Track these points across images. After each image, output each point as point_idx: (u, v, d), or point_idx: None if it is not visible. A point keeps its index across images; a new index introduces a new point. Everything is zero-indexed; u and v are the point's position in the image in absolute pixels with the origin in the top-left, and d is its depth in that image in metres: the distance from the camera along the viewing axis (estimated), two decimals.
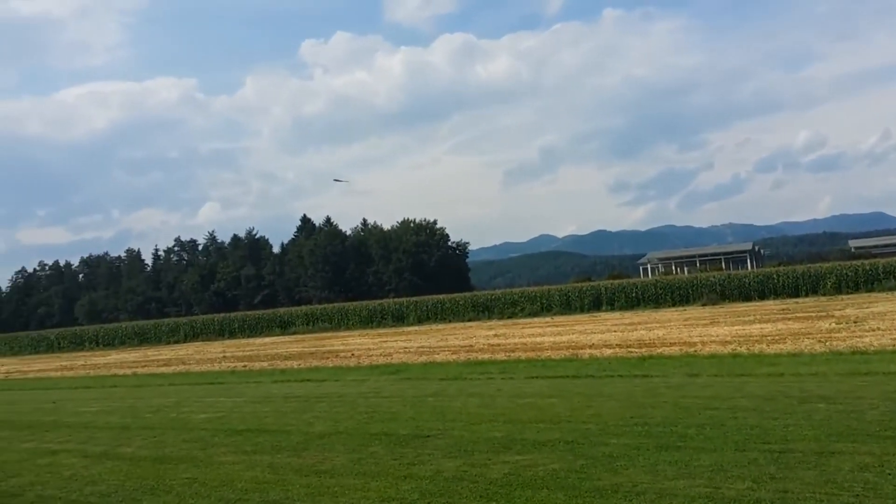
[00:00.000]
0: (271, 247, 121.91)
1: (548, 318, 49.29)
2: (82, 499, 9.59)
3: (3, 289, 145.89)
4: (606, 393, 14.35)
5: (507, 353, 24.75)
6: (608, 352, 22.74)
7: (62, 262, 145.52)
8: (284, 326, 63.34)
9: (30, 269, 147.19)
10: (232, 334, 64.57)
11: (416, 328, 51.88)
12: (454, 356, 25.55)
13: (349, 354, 30.81)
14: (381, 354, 29.40)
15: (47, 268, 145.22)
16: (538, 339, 30.30)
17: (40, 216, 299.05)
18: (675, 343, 23.91)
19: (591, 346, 24.94)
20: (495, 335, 35.40)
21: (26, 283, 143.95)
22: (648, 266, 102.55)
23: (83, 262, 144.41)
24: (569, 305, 54.41)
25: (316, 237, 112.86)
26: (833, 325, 26.00)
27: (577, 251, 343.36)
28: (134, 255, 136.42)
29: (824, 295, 46.46)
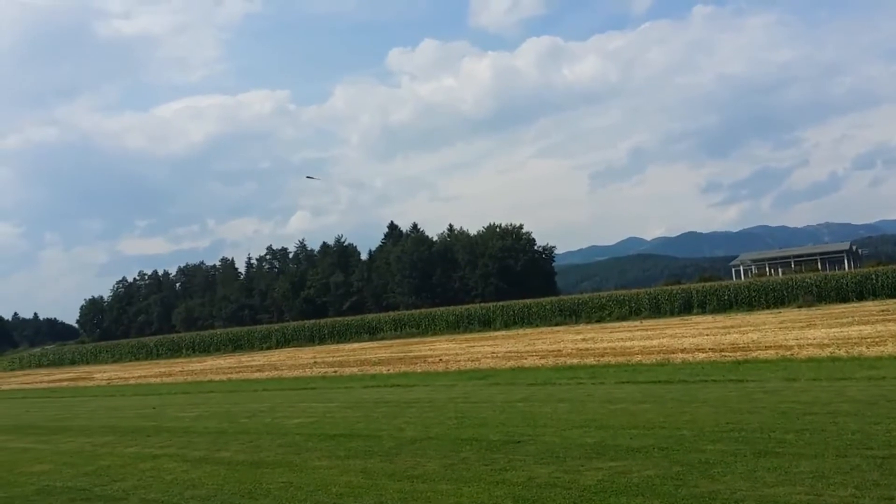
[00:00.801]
0: (359, 254, 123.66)
1: (637, 322, 48.56)
2: (183, 502, 9.82)
3: (106, 298, 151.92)
4: (700, 398, 14.03)
5: (597, 358, 24.46)
6: (701, 356, 22.22)
7: (160, 272, 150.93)
8: (373, 332, 64.07)
9: (130, 279, 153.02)
10: (322, 340, 65.69)
11: (504, 333, 51.80)
12: (542, 361, 25.39)
13: (437, 360, 30.92)
14: (468, 359, 29.41)
15: (146, 277, 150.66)
16: (628, 344, 29.85)
17: (141, 227, 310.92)
18: (770, 347, 23.23)
19: (682, 351, 24.43)
20: (583, 339, 35.05)
21: (127, 292, 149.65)
22: (741, 268, 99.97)
23: (180, 271, 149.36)
24: (658, 309, 53.53)
25: (403, 243, 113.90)
26: None
27: (667, 253, 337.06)
28: (228, 264, 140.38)
29: None
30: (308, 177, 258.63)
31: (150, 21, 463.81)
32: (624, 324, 48.56)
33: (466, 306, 68.36)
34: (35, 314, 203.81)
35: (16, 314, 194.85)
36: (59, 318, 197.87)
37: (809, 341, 23.71)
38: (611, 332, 39.22)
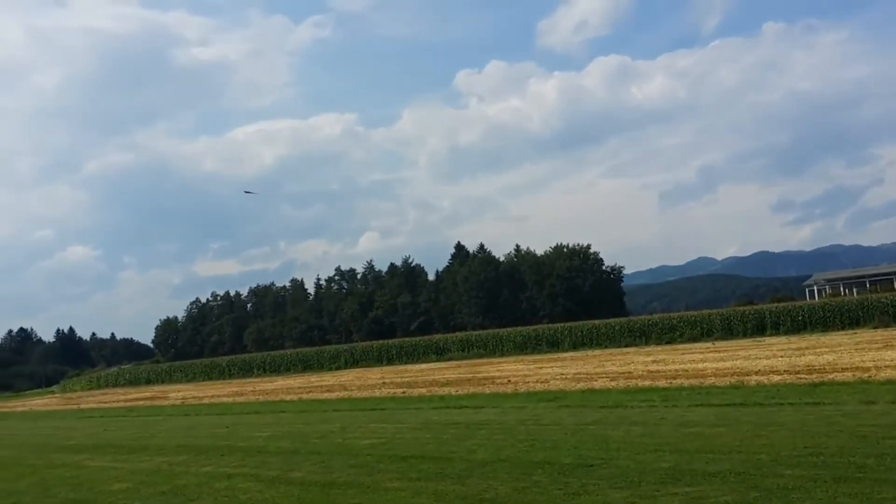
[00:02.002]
0: (426, 274, 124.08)
1: (708, 344, 47.69)
2: None
3: (180, 318, 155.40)
4: (777, 421, 13.73)
5: (668, 380, 24.09)
6: (776, 378, 21.73)
7: (232, 293, 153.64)
8: (440, 353, 64.19)
9: (203, 300, 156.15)
10: (390, 361, 66.04)
11: (572, 354, 51.38)
12: (613, 383, 25.12)
13: (505, 381, 30.82)
14: (537, 381, 29.25)
15: (219, 298, 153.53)
16: (700, 366, 29.34)
17: (214, 249, 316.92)
18: (846, 368, 22.59)
19: (756, 373, 23.91)
20: (654, 361, 34.56)
21: (200, 313, 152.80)
22: (815, 288, 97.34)
23: (251, 292, 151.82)
24: (730, 330, 52.53)
25: (470, 264, 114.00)
26: None
27: (738, 273, 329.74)
28: (297, 285, 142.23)
29: None
30: (246, 191, 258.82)
31: (226, 48, 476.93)
32: (695, 345, 47.75)
33: (534, 327, 68.04)
34: (112, 334, 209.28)
35: (94, 334, 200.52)
36: (136, 338, 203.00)
37: (887, 363, 23.01)
38: (682, 354, 38.60)
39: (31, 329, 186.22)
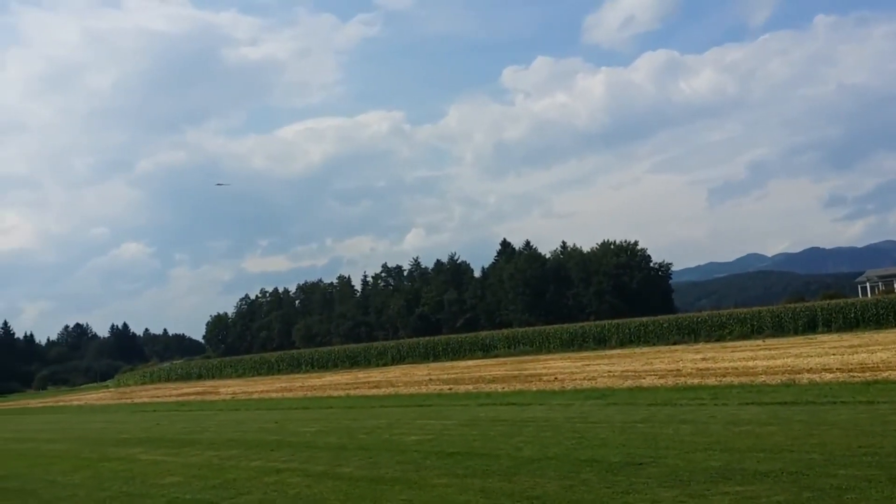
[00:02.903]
0: (472, 271, 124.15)
1: (759, 341, 47.00)
2: None
3: (230, 314, 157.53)
4: (829, 420, 13.49)
5: (718, 378, 23.78)
6: (828, 376, 21.33)
7: (280, 290, 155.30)
8: (486, 349, 64.19)
9: (252, 296, 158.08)
10: (436, 357, 66.20)
11: (619, 351, 51.02)
12: (661, 381, 24.87)
13: (552, 378, 30.69)
14: (584, 378, 29.09)
15: (267, 295, 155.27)
16: (750, 364, 28.92)
17: (263, 246, 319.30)
18: None
19: (808, 371, 23.50)
20: (703, 359, 34.16)
21: (249, 309, 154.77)
22: (867, 284, 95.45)
23: (299, 288, 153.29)
24: (781, 327, 51.75)
25: (516, 261, 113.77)
26: None
27: (789, 270, 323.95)
28: (345, 282, 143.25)
29: None
30: (218, 184, 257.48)
31: (275, 47, 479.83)
32: (745, 343, 47.08)
33: (580, 324, 67.67)
34: (164, 330, 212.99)
35: (147, 330, 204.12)
36: (187, 334, 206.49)
37: None
38: (732, 352, 38.09)
39: (87, 325, 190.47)
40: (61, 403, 57.00)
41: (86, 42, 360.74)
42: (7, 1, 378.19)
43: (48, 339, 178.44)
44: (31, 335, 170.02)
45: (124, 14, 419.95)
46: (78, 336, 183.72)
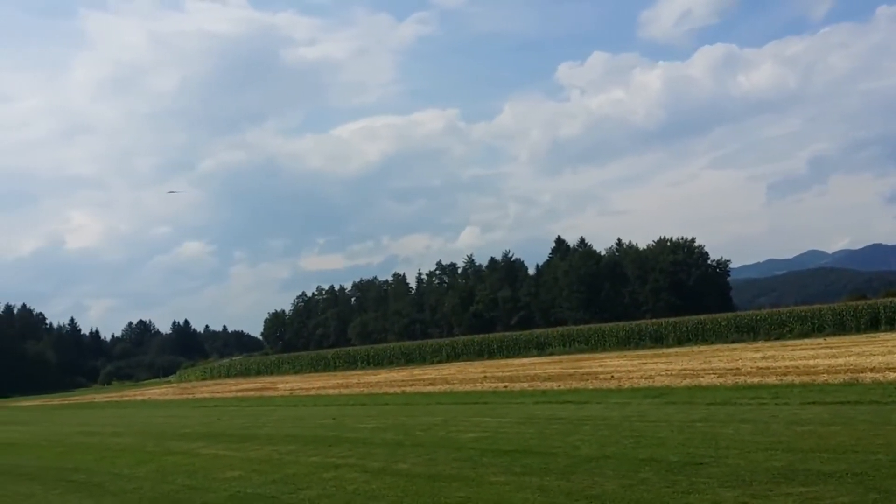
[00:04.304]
0: (527, 269, 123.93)
1: (820, 340, 45.96)
2: None
3: (287, 312, 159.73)
4: (895, 420, 13.17)
5: (779, 377, 23.33)
6: (892, 375, 20.75)
7: (337, 287, 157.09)
8: (541, 347, 63.91)
9: (309, 294, 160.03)
10: (491, 355, 66.14)
11: (676, 350, 50.37)
12: (720, 379, 24.48)
13: (608, 376, 30.44)
14: (641, 377, 28.78)
15: (324, 292, 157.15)
16: (811, 362, 28.31)
17: (320, 244, 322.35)
18: None
19: (872, 370, 22.91)
20: (763, 357, 33.55)
21: (306, 307, 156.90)
22: None
23: (355, 286, 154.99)
24: (842, 326, 50.57)
25: (570, 258, 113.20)
26: None
27: (850, 267, 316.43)
28: (400, 280, 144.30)
29: None
30: (170, 192, 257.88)
31: (333, 47, 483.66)
32: (806, 341, 46.11)
33: (637, 322, 67.03)
34: (224, 326, 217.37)
35: (207, 326, 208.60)
36: (246, 331, 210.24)
37: None
38: (792, 350, 37.35)
39: (150, 321, 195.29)
40: (126, 398, 58.27)
41: (150, 45, 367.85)
42: (75, 6, 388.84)
43: (113, 336, 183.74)
44: (97, 332, 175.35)
45: (187, 16, 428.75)
46: (141, 332, 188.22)
